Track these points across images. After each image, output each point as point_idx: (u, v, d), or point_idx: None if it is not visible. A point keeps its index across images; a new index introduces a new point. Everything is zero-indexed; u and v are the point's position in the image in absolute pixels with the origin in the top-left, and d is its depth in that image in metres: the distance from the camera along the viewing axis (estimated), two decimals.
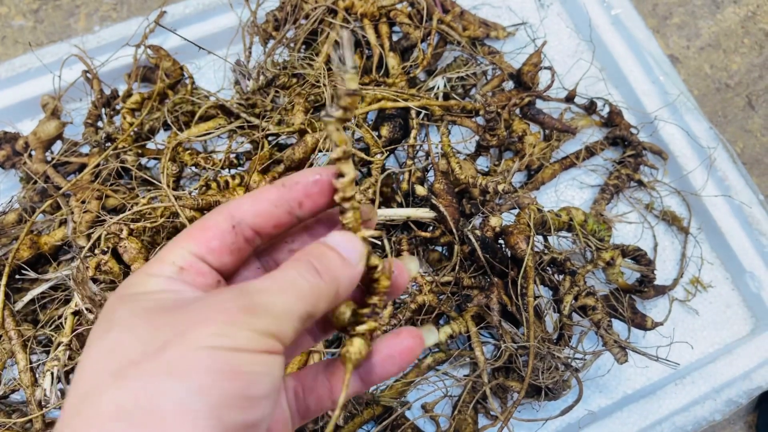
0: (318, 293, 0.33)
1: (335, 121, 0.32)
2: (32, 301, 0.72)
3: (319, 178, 0.35)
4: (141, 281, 0.34)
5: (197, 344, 0.29)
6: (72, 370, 0.64)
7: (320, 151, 0.72)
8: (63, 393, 0.64)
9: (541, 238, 0.76)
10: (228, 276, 0.36)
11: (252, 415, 0.30)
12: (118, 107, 0.84)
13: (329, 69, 0.80)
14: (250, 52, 0.86)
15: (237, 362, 0.29)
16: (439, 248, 0.82)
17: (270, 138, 0.79)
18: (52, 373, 0.62)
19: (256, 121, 0.77)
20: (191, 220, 0.65)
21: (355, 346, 0.36)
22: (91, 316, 0.60)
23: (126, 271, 0.66)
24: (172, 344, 0.29)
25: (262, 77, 0.78)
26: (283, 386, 0.37)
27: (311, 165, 0.74)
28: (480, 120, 0.82)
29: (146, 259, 0.64)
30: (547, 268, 0.76)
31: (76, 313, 0.63)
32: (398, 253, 0.77)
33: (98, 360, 0.30)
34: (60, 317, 0.68)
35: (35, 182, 0.78)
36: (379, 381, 0.38)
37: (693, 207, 0.90)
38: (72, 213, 0.71)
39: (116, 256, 0.66)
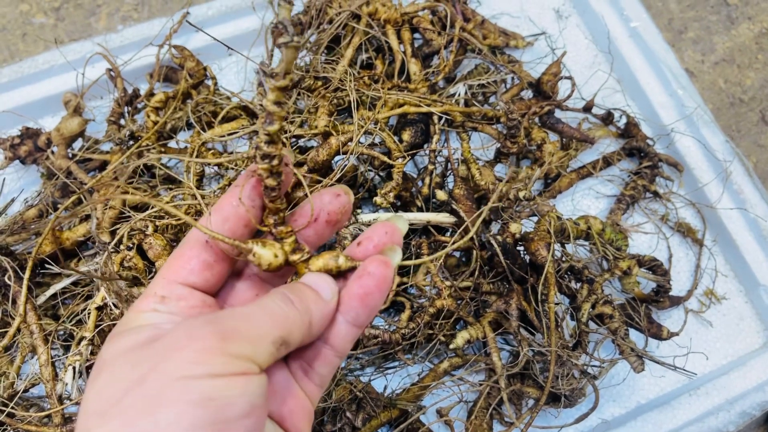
0: (290, 320, 0.35)
1: (293, 47, 0.31)
2: (53, 296, 0.72)
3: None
4: (130, 319, 0.36)
5: (172, 375, 0.30)
6: (93, 365, 0.64)
7: (344, 153, 0.72)
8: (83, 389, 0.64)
9: (558, 245, 0.77)
10: (217, 292, 0.39)
11: None
12: (139, 106, 0.85)
13: (353, 74, 0.81)
14: (272, 54, 0.87)
15: (209, 390, 0.30)
16: (457, 254, 0.83)
17: (292, 140, 0.80)
18: (74, 368, 0.63)
19: None
20: None
21: (322, 261, 0.38)
22: (117, 311, 0.60)
23: (150, 267, 0.66)
24: (147, 378, 0.31)
25: None
26: (274, 399, 0.38)
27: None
28: (501, 127, 0.83)
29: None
30: (565, 275, 0.76)
31: (100, 308, 0.63)
32: (417, 257, 0.77)
33: (89, 402, 0.32)
34: (82, 312, 0.69)
35: (57, 178, 0.78)
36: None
37: (708, 219, 0.91)
38: (95, 209, 0.71)
39: (140, 252, 0.66)
